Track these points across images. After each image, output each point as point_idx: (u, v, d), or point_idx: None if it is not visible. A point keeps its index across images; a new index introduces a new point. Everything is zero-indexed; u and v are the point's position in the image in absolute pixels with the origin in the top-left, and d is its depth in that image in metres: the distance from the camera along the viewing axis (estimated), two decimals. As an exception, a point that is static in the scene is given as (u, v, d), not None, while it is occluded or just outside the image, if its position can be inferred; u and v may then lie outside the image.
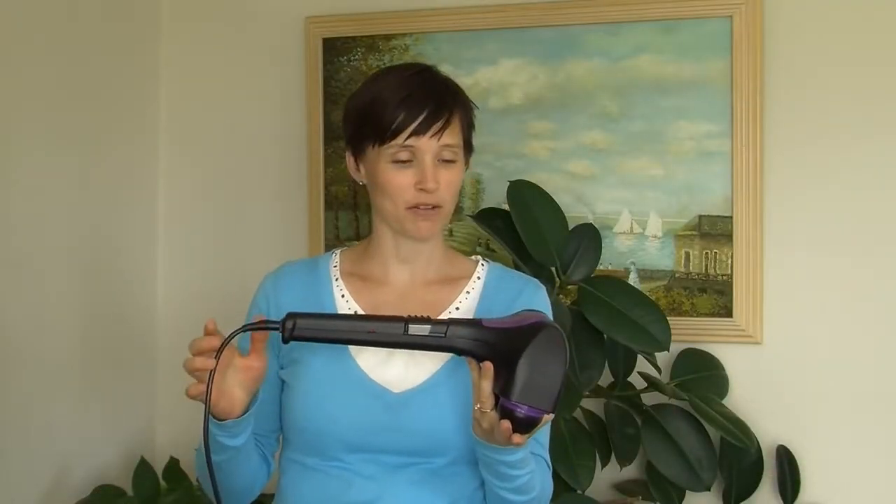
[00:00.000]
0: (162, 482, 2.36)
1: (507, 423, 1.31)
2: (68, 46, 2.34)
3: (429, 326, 1.36)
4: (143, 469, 2.34)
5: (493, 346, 1.35)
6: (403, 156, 1.49)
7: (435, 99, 1.50)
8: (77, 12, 2.37)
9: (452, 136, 1.51)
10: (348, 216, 2.54)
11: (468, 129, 1.57)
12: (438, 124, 1.48)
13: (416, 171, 1.49)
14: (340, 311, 1.55)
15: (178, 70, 2.69)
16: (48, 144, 2.28)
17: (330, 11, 2.55)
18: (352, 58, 2.54)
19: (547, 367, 1.32)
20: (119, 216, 2.53)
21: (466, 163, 1.59)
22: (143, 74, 2.64)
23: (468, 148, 1.58)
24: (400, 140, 1.48)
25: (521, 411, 1.31)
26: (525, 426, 1.31)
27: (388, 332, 1.36)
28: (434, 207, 1.50)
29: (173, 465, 2.39)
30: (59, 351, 2.33)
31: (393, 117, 1.48)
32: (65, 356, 2.34)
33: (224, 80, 2.67)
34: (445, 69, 2.42)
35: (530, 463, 1.45)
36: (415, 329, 1.35)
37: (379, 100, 1.51)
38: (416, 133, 1.48)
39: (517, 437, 1.32)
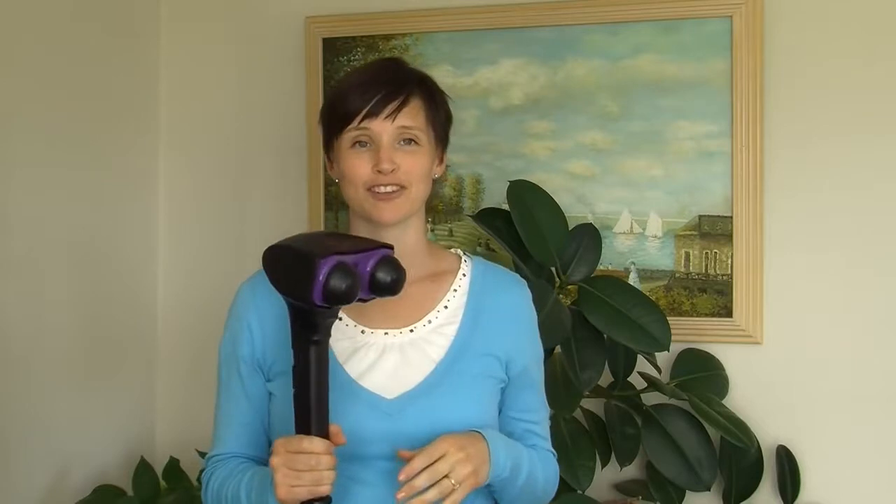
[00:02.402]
0: (162, 482, 2.36)
1: (405, 472, 1.34)
2: (68, 46, 2.34)
3: (304, 359, 1.37)
4: (143, 469, 2.34)
5: (293, 306, 1.36)
6: (361, 139, 1.49)
7: (391, 82, 1.50)
8: (77, 12, 2.37)
9: (411, 119, 1.50)
10: (348, 216, 2.53)
11: (436, 115, 1.55)
12: (393, 105, 1.48)
13: (374, 154, 1.49)
14: None
15: (178, 70, 2.69)
16: (48, 144, 2.28)
17: (330, 11, 2.55)
18: (352, 58, 2.54)
19: (287, 264, 1.35)
20: (119, 216, 2.53)
21: (441, 155, 1.57)
22: (143, 75, 2.64)
23: (440, 137, 1.56)
24: (355, 123, 1.49)
25: (321, 281, 1.30)
26: (340, 283, 1.30)
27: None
28: (398, 189, 1.49)
29: (173, 465, 2.39)
30: (60, 351, 2.33)
31: (348, 102, 1.49)
32: (65, 356, 2.34)
33: (224, 80, 2.67)
34: (445, 69, 2.48)
35: (521, 447, 1.50)
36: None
37: (338, 91, 1.54)
38: (369, 115, 1.48)
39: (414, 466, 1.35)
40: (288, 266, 1.35)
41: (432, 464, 1.36)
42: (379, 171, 1.47)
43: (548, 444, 1.58)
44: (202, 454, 1.99)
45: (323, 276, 1.29)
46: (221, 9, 2.67)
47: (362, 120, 1.48)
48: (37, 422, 2.25)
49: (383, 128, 1.48)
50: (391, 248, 1.39)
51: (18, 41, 2.18)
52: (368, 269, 1.34)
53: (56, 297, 2.32)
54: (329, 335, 1.38)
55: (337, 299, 1.31)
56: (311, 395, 1.35)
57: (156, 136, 2.68)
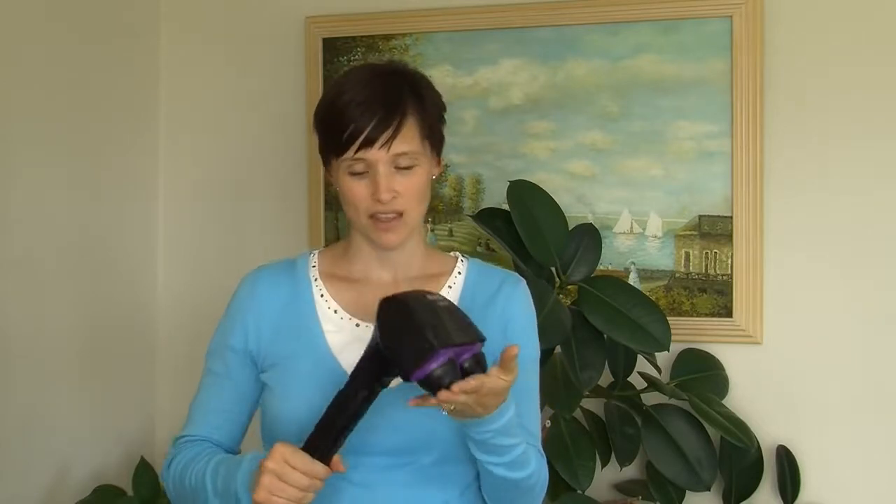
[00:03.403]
0: (162, 482, 2.36)
1: (445, 394, 1.29)
2: (68, 46, 2.34)
3: (354, 392, 1.36)
4: (143, 469, 2.35)
5: (380, 352, 1.35)
6: (357, 167, 1.48)
7: (385, 105, 1.47)
8: (77, 12, 2.37)
9: (406, 143, 1.48)
10: (347, 219, 2.54)
11: (430, 128, 1.53)
12: (387, 133, 1.46)
13: (371, 181, 1.48)
14: (320, 311, 1.53)
15: (178, 70, 2.69)
16: (49, 145, 2.28)
17: (330, 11, 2.55)
18: (352, 58, 2.54)
19: (405, 328, 1.33)
20: (119, 216, 2.53)
21: (438, 157, 1.56)
22: (143, 75, 2.64)
23: (435, 144, 1.55)
24: (350, 153, 1.47)
25: (431, 368, 1.29)
26: (443, 377, 1.30)
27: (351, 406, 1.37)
28: (397, 217, 1.49)
29: (173, 465, 2.39)
30: (59, 351, 2.33)
31: (343, 128, 1.47)
32: (65, 356, 2.34)
33: (224, 80, 2.67)
34: (445, 69, 2.48)
35: (519, 433, 1.44)
36: (353, 396, 1.36)
37: (333, 108, 1.50)
38: (364, 145, 1.46)
39: (457, 391, 1.29)
40: (404, 331, 1.33)
41: (466, 392, 1.32)
42: (378, 201, 1.47)
43: (536, 441, 1.56)
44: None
45: (435, 365, 1.30)
46: (221, 9, 2.67)
47: (358, 150, 1.46)
48: (37, 422, 2.25)
49: (379, 156, 1.47)
50: (484, 340, 1.37)
51: (18, 41, 2.18)
52: (461, 360, 1.33)
53: (56, 297, 2.32)
54: (385, 388, 1.38)
55: (430, 386, 1.31)
56: (338, 422, 1.36)
57: (156, 136, 2.68)
